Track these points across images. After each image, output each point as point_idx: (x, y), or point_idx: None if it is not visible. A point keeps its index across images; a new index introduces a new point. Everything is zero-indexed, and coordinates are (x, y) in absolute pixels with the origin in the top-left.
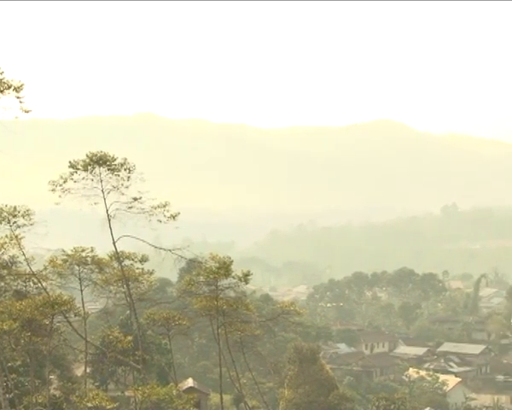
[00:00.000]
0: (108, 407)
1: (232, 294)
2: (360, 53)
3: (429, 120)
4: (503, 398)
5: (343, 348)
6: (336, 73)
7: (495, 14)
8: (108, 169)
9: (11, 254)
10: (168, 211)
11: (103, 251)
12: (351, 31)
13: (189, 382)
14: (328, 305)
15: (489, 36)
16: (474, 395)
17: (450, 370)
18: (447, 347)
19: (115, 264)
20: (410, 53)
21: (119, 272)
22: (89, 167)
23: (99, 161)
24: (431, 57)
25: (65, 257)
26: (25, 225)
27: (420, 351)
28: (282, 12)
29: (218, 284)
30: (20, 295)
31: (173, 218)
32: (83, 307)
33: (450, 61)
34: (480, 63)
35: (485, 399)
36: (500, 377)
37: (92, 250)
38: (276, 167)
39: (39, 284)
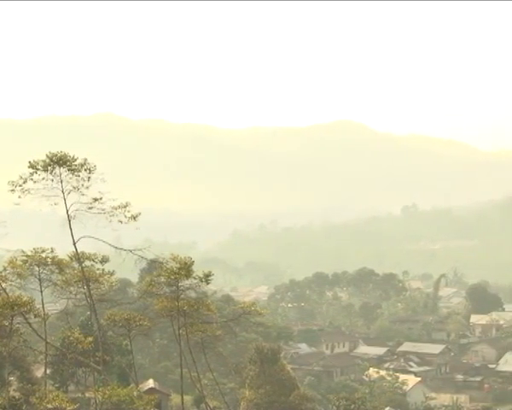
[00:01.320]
0: (68, 408)
1: (193, 294)
2: (321, 54)
3: (389, 120)
4: (462, 397)
5: (304, 348)
6: (297, 74)
7: (455, 16)
8: (69, 170)
9: None
10: (129, 211)
11: (63, 252)
12: (311, 32)
13: (150, 383)
14: (289, 305)
15: (448, 37)
16: (433, 395)
17: (410, 369)
18: (407, 346)
19: (75, 265)
20: (371, 54)
21: (79, 273)
22: (49, 168)
23: (59, 161)
24: (391, 59)
25: (24, 258)
26: None
27: (380, 351)
28: (239, 12)
29: (179, 284)
30: None
31: (134, 218)
32: (43, 308)
33: (410, 62)
34: (439, 65)
35: (445, 398)
36: (459, 377)
37: (52, 251)
38: (237, 168)
39: None
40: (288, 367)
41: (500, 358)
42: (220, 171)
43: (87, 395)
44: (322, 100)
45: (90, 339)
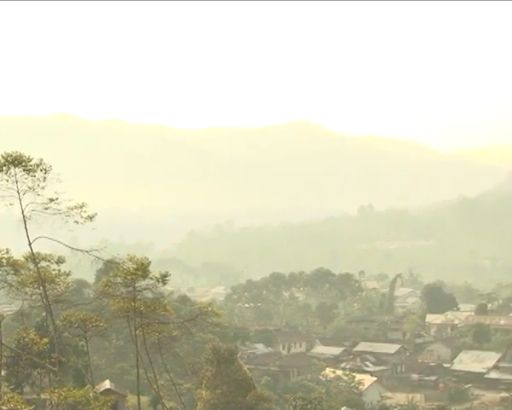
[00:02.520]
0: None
1: (150, 295)
2: (277, 54)
3: (346, 121)
4: (418, 396)
5: (260, 348)
6: (254, 75)
7: (410, 19)
8: (24, 170)
9: None
10: (85, 212)
11: (19, 252)
12: (268, 32)
13: (106, 384)
14: (246, 305)
15: (403, 39)
16: (389, 394)
17: (366, 369)
18: (363, 346)
19: (31, 265)
20: (328, 55)
21: (34, 274)
22: (4, 168)
23: (14, 161)
24: (348, 60)
25: None
26: None
27: (336, 351)
28: (194, 13)
29: (136, 285)
30: None
31: (90, 219)
32: None
33: (366, 63)
34: (395, 66)
35: (400, 397)
36: (415, 376)
37: (7, 252)
38: (194, 168)
39: None
40: (245, 367)
41: (455, 357)
42: (177, 171)
43: (42, 396)
44: (278, 100)
45: (46, 340)
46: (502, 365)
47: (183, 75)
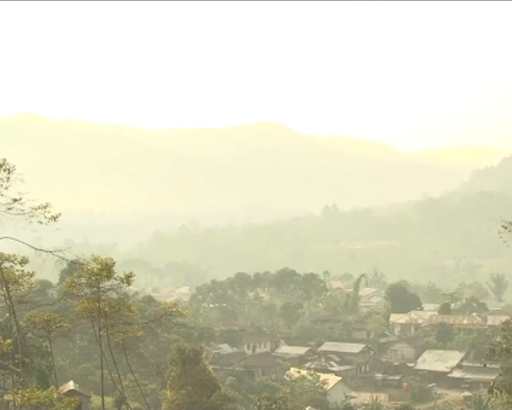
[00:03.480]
0: None
1: (114, 295)
2: (241, 55)
3: (311, 122)
4: (382, 396)
5: (225, 348)
6: (218, 75)
7: (374, 19)
8: None
9: None
10: (49, 212)
11: None
12: (232, 32)
13: (70, 385)
14: (211, 306)
15: (369, 40)
16: (353, 394)
17: (331, 369)
18: (328, 346)
19: None
20: (292, 56)
21: None
22: None
23: None
24: (313, 60)
25: None
26: None
27: (301, 350)
28: (160, 12)
29: (100, 285)
30: None
31: (54, 219)
32: None
33: (331, 64)
34: (361, 66)
35: (365, 397)
36: (379, 376)
37: None
38: (159, 168)
39: None
40: (210, 368)
41: (418, 356)
42: (142, 171)
43: (6, 397)
44: (243, 101)
45: (9, 341)
46: (465, 364)
47: (149, 75)
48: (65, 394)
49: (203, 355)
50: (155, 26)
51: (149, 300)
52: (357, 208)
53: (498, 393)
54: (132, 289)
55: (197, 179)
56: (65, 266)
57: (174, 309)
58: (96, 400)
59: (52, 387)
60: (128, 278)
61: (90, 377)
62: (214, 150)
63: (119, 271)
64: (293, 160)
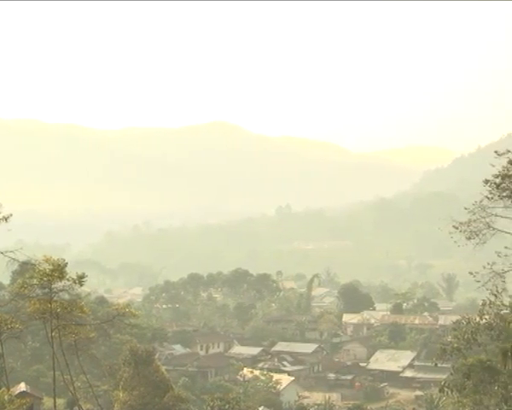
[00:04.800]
0: None
1: (67, 296)
2: (194, 54)
3: (264, 122)
4: (334, 395)
5: (178, 349)
6: (172, 75)
7: (328, 20)
8: None
9: None
10: (0, 213)
11: None
12: (184, 33)
13: (22, 386)
14: (164, 306)
15: (321, 40)
16: (306, 394)
17: (284, 369)
18: (281, 346)
19: None
20: (245, 56)
21: None
22: None
23: None
24: (266, 60)
25: None
26: None
27: (254, 351)
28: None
29: (52, 286)
30: None
31: (5, 220)
32: None
33: (285, 64)
34: (313, 67)
35: (317, 397)
36: (331, 376)
37: None
38: (111, 169)
39: None
40: (163, 368)
41: (371, 356)
42: (94, 172)
43: None
44: (196, 101)
45: None
46: (416, 363)
47: (101, 75)
48: (16, 395)
49: (156, 356)
50: (98, 25)
51: (102, 301)
52: (311, 209)
53: (449, 392)
54: (85, 290)
55: (151, 180)
56: (16, 266)
57: (127, 310)
58: (47, 401)
59: (3, 389)
60: (80, 279)
61: (41, 379)
62: (168, 151)
63: (71, 271)
64: (247, 160)
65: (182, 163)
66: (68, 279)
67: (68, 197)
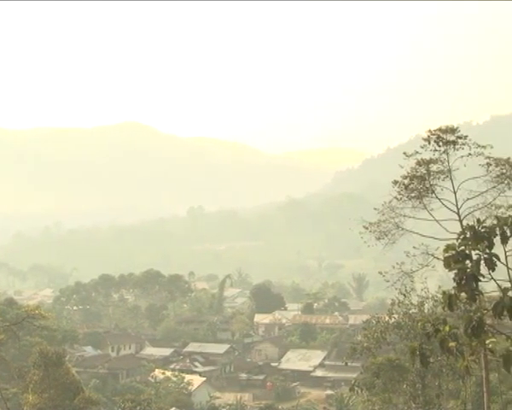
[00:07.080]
0: None
1: None
2: (104, 54)
3: (176, 123)
4: (246, 396)
5: (89, 350)
6: (83, 74)
7: (237, 21)
8: None
9: None
10: None
11: None
12: (100, 32)
13: None
14: (75, 308)
15: (232, 41)
16: (218, 394)
17: (196, 369)
18: (193, 347)
19: None
20: (158, 56)
21: None
22: None
23: None
24: (178, 61)
25: None
26: None
27: (166, 352)
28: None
29: None
30: None
31: None
32: None
33: (198, 65)
34: (227, 69)
35: (229, 397)
36: (243, 376)
37: None
38: (21, 169)
39: None
40: (73, 371)
41: (282, 356)
42: (3, 172)
43: None
44: (107, 101)
45: None
46: (327, 363)
47: (8, 72)
48: None
49: (66, 358)
50: (19, 24)
51: (11, 302)
52: (223, 209)
53: (359, 391)
54: None
55: (61, 180)
56: None
57: (37, 312)
58: None
59: None
60: None
61: None
62: (78, 151)
63: None
64: (159, 160)
65: (93, 163)
66: None
67: None
